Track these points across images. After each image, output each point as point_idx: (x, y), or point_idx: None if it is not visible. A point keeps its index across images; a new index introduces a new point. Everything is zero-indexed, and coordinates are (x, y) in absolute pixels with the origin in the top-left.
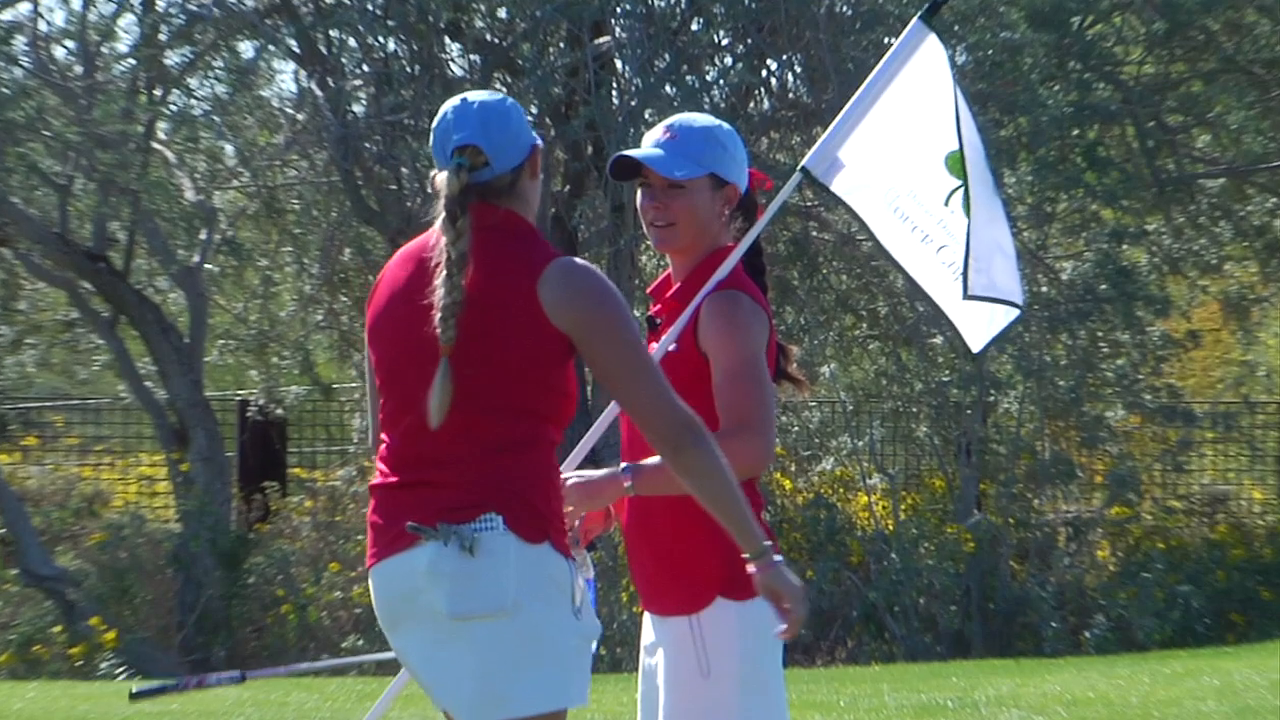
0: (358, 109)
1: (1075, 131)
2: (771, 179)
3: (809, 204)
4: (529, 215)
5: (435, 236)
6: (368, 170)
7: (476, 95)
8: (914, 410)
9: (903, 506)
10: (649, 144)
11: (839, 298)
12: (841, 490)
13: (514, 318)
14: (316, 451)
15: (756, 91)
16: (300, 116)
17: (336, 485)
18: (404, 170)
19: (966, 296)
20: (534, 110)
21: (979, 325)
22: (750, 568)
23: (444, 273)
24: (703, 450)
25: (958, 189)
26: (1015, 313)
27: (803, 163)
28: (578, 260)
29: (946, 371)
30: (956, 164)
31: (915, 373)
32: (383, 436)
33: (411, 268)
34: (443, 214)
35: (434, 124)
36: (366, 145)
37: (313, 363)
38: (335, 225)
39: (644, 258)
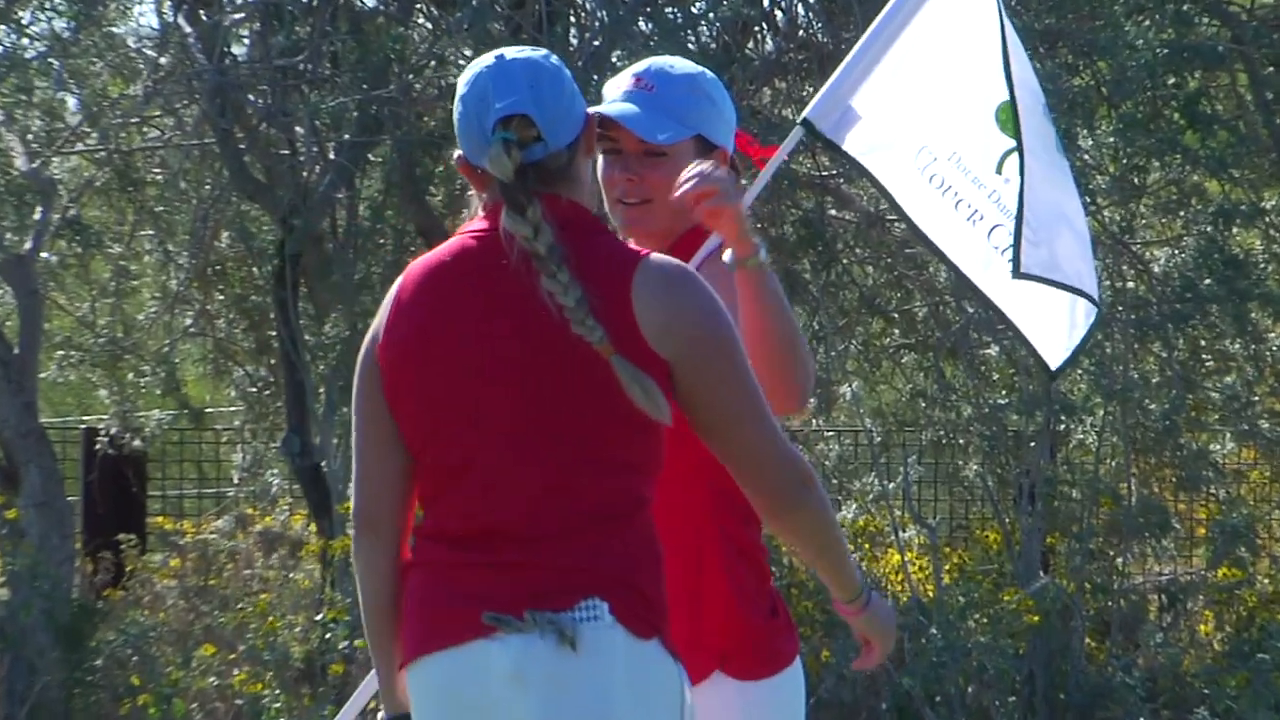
0: (238, 50)
1: (1171, 80)
2: (765, 146)
3: (825, 173)
4: (589, 205)
5: (482, 239)
6: (251, 130)
7: (515, 51)
8: (961, 442)
9: (946, 567)
10: (615, 98)
11: (864, 296)
12: (867, 546)
13: (613, 340)
14: (185, 495)
15: (757, 28)
16: (164, 60)
17: (211, 539)
18: (299, 130)
19: (1017, 275)
20: (467, 54)
21: (1055, 333)
22: (846, 613)
23: (549, 271)
24: (818, 506)
25: (1012, 151)
26: (1092, 310)
27: (804, 114)
28: (671, 259)
29: (1003, 392)
30: (1009, 117)
31: (963, 393)
32: (410, 507)
33: (465, 284)
34: (503, 206)
35: (462, 89)
36: (250, 98)
37: (180, 381)
38: (209, 202)
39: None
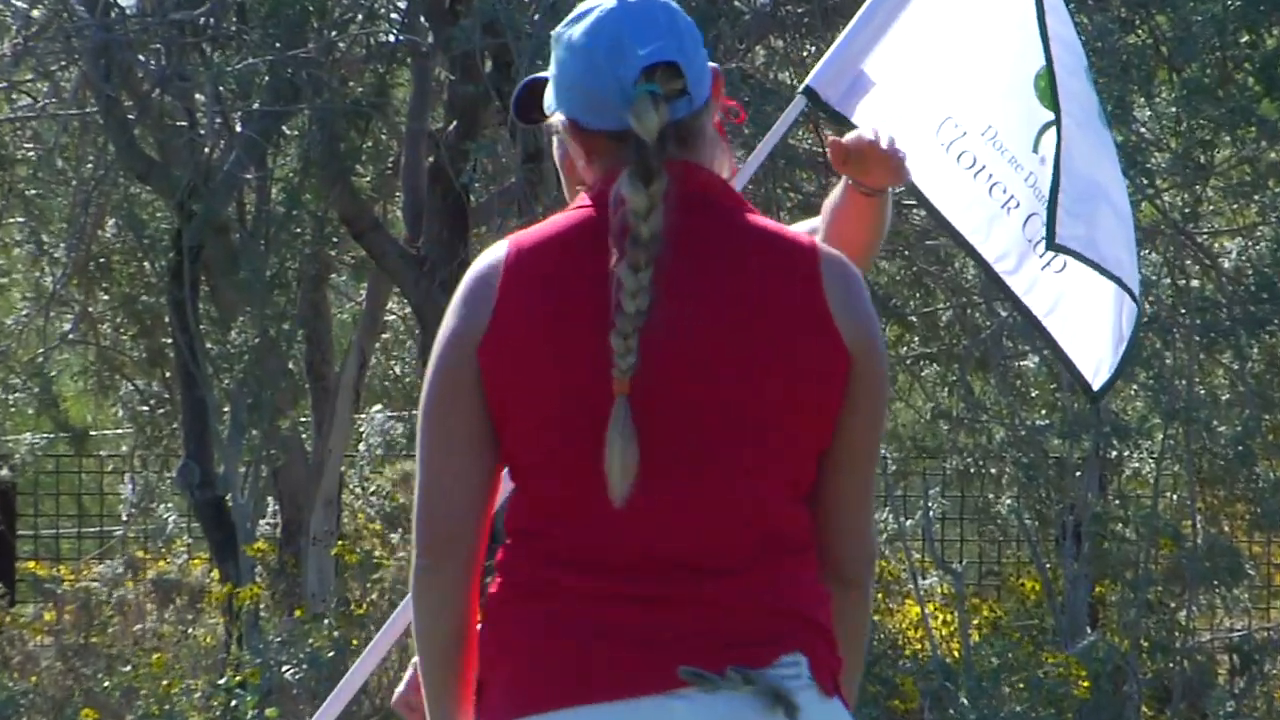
0: (126, 2)
1: (1245, 37)
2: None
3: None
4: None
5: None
6: (142, 98)
7: None
8: (992, 472)
9: (975, 621)
10: None
11: (876, 296)
12: (881, 596)
13: (806, 338)
14: (62, 534)
15: None
16: (36, 13)
17: (94, 587)
18: (199, 98)
19: (1051, 246)
20: (400, 3)
21: (1097, 344)
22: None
23: (635, 262)
24: (869, 595)
25: (1051, 125)
26: (1134, 311)
27: (806, 81)
28: (839, 255)
29: (1043, 411)
30: (1049, 86)
31: (995, 413)
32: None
33: (597, 268)
34: (627, 171)
35: (578, 35)
36: (141, 58)
37: (56, 397)
38: (92, 183)
39: None
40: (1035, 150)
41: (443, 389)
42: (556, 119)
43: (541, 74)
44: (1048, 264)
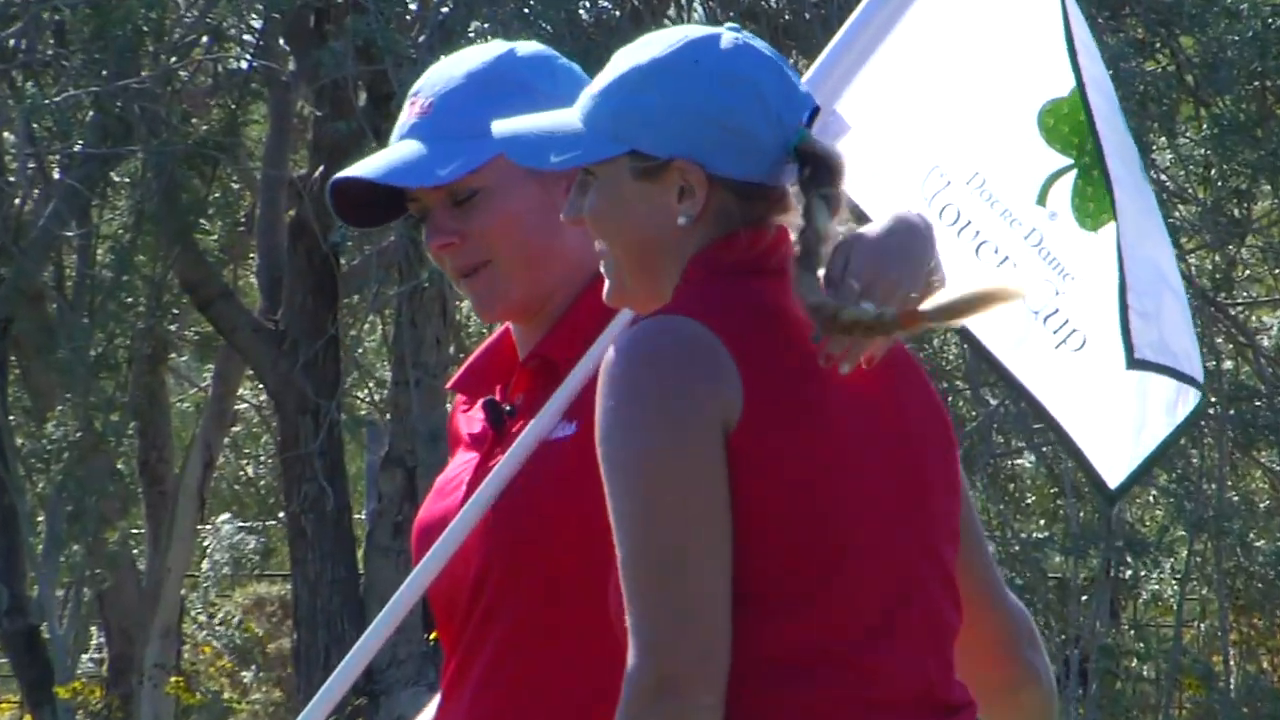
0: None
1: None
2: None
3: None
4: None
5: None
6: None
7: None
8: None
9: None
10: (395, 136)
11: None
12: None
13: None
14: None
15: None
16: None
17: None
18: (8, 137)
19: (1132, 364)
20: (255, 24)
21: (1119, 433)
22: None
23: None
24: None
25: (1064, 172)
26: (1191, 396)
27: None
28: None
29: (1041, 521)
30: (1065, 123)
31: (981, 521)
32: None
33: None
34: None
35: (743, 67)
36: None
37: None
38: None
39: (463, 304)
40: (1041, 203)
41: (689, 485)
42: (695, 168)
43: (350, 174)
44: (1063, 341)
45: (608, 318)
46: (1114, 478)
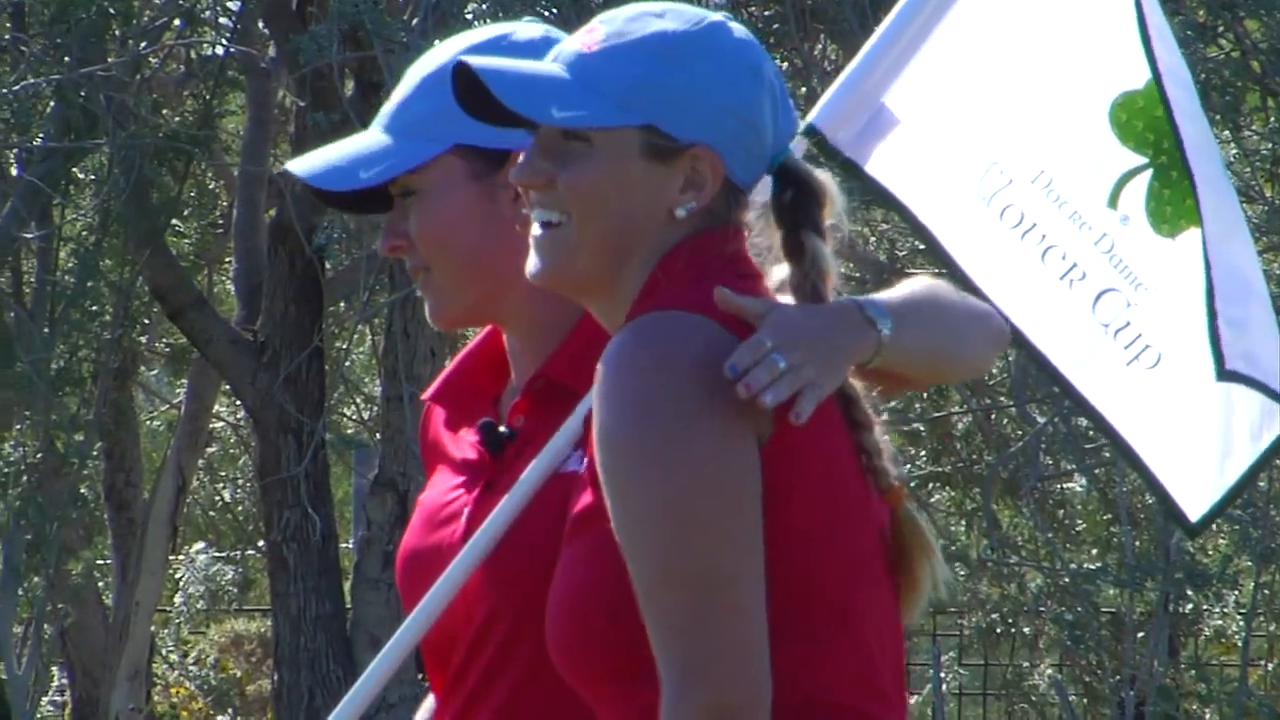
0: None
1: None
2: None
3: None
4: None
5: None
6: None
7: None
8: (1025, 632)
9: None
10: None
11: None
12: None
13: None
14: None
15: None
16: None
17: None
18: None
19: (1223, 376)
20: (232, 4)
21: (1198, 462)
22: None
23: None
24: None
25: (1138, 172)
26: (1279, 421)
27: (808, 119)
28: None
29: (1093, 550)
30: (1140, 118)
31: (1029, 551)
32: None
33: None
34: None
35: (759, 61)
36: None
37: None
38: None
39: None
40: (1113, 205)
41: (736, 508)
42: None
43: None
44: (1135, 358)
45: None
46: (1195, 509)
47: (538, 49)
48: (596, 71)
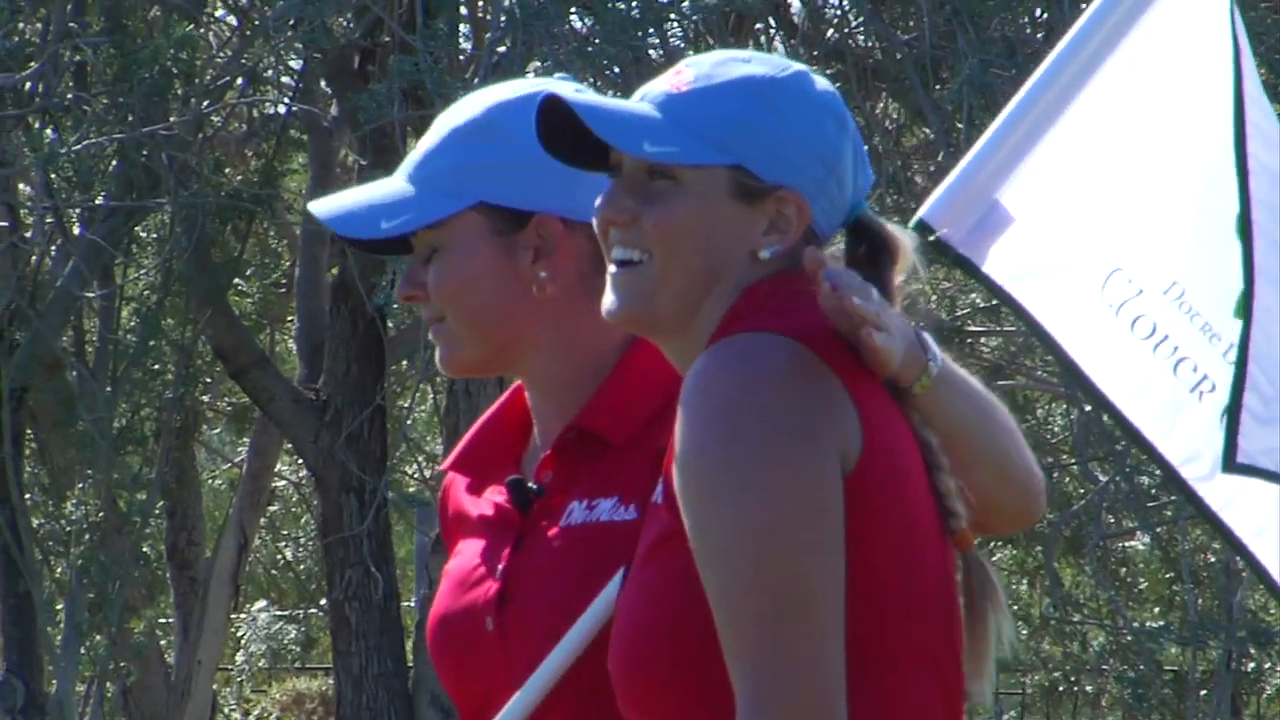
0: None
1: None
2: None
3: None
4: None
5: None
6: None
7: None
8: (1088, 690)
9: None
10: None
11: None
12: None
13: None
14: None
15: (759, 23)
16: None
17: None
18: (23, 188)
19: (1231, 467)
20: (294, 63)
21: None
22: None
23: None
24: None
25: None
26: None
27: (919, 214)
28: None
29: (1155, 609)
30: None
31: (1091, 610)
32: None
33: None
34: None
35: (836, 106)
36: None
37: None
38: None
39: None
40: (1239, 315)
41: (822, 528)
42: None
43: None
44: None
45: (651, 389)
46: None
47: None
48: (687, 111)
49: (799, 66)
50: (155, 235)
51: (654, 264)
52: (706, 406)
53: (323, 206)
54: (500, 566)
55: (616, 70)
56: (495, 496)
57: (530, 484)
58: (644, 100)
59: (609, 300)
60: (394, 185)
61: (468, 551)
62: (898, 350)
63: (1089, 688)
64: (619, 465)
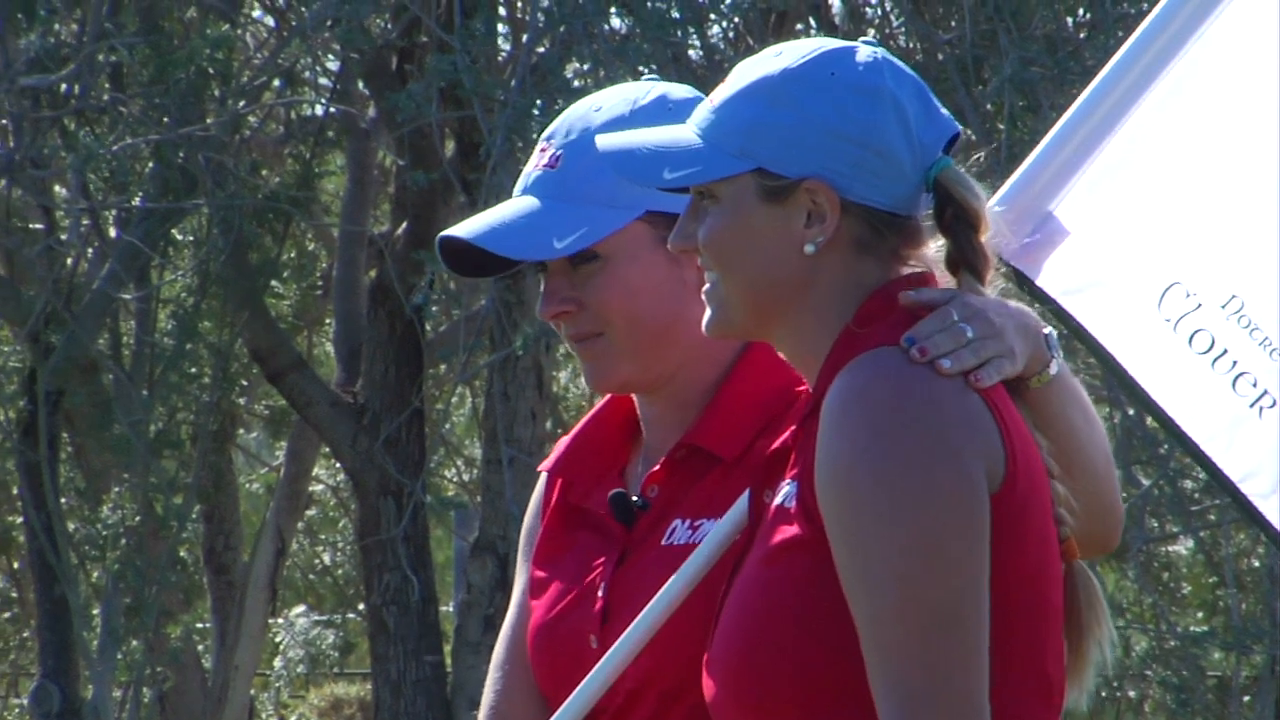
0: None
1: None
2: None
3: None
4: None
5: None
6: None
7: None
8: (1130, 696)
9: None
10: (519, 188)
11: None
12: None
13: None
14: None
15: (800, 24)
16: None
17: None
18: (59, 190)
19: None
20: (331, 64)
21: None
22: None
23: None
24: None
25: None
26: None
27: None
28: None
29: (1199, 613)
30: None
31: (1133, 614)
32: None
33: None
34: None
35: (887, 81)
36: None
37: None
38: None
39: (561, 374)
40: None
41: (970, 543)
42: (747, 182)
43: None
44: None
45: (764, 404)
46: None
47: (689, 108)
48: (713, 125)
49: (830, 47)
50: (192, 237)
51: (721, 281)
52: (857, 421)
53: (474, 231)
54: (603, 582)
55: (655, 69)
56: (597, 506)
57: (634, 497)
58: (693, 118)
59: (704, 316)
60: (546, 205)
61: (566, 560)
62: (1018, 360)
63: (1132, 693)
64: (723, 483)
